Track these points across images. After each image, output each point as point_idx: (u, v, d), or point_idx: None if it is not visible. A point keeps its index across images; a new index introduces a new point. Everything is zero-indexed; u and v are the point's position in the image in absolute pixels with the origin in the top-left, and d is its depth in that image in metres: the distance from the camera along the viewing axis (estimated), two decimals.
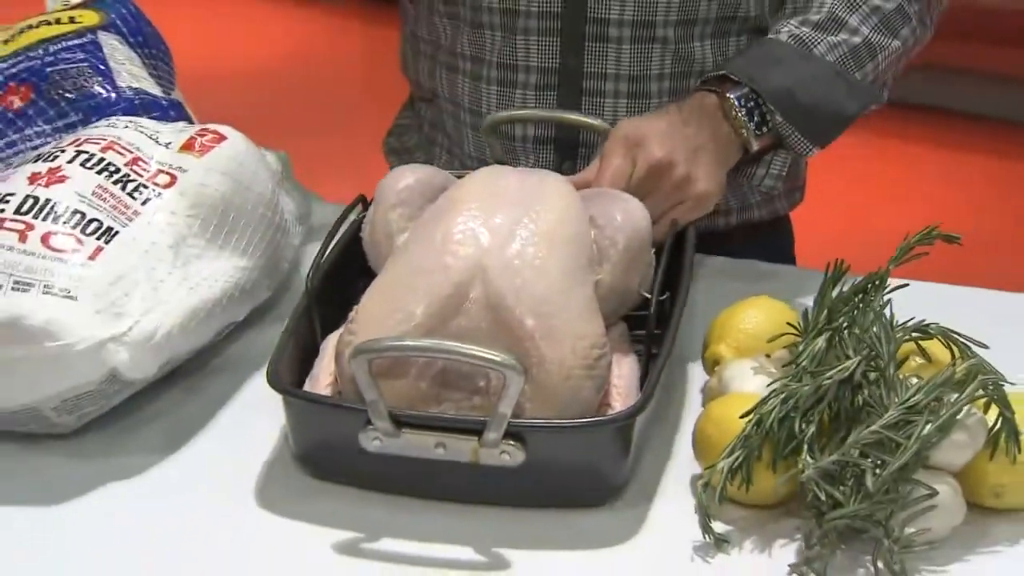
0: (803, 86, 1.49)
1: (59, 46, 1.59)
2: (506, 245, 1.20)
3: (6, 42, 1.62)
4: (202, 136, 1.36)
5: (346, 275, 1.31)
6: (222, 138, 1.36)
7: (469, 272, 1.18)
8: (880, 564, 1.09)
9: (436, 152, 1.73)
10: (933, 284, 1.52)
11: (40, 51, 1.58)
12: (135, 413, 1.30)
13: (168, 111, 1.56)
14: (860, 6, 1.53)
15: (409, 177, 1.31)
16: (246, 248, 1.35)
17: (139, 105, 1.54)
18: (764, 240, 1.74)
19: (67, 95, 1.55)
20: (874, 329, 1.18)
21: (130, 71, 1.58)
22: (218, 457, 1.26)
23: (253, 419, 1.28)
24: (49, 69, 1.56)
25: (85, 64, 1.57)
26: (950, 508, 1.13)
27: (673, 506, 1.18)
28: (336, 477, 1.20)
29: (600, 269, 1.25)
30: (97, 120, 1.47)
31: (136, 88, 1.56)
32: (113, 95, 1.55)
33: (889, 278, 1.26)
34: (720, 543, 1.13)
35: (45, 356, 1.19)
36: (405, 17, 1.74)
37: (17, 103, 1.55)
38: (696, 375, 1.36)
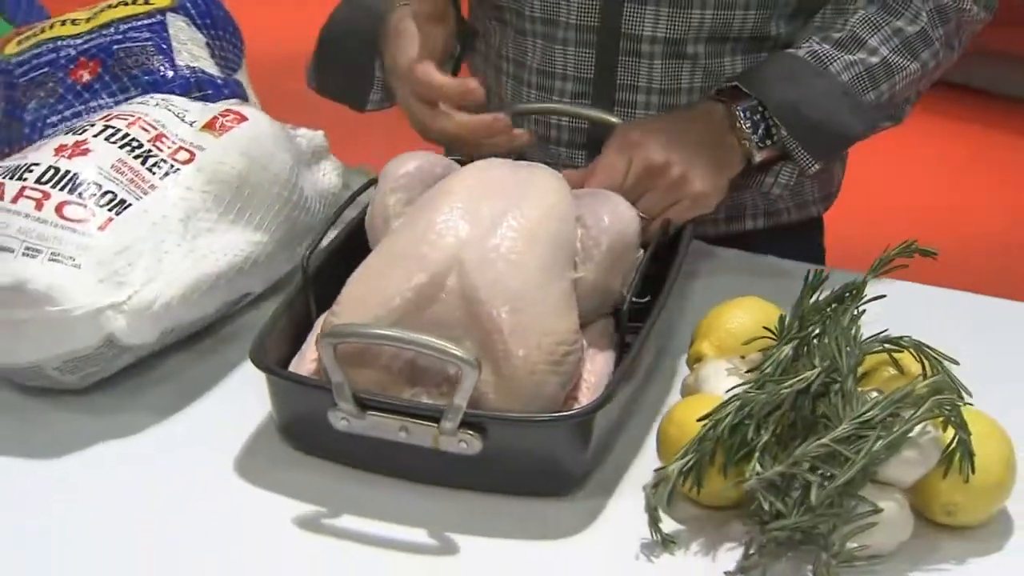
0: (809, 102, 1.36)
1: (128, 25, 1.53)
2: (485, 238, 1.10)
3: (88, 20, 1.56)
4: (224, 116, 1.28)
5: (351, 255, 1.22)
6: (243, 119, 1.29)
7: (446, 263, 1.09)
8: None
9: None
10: (933, 288, 1.39)
11: (111, 29, 1.53)
12: (147, 373, 1.24)
13: (222, 89, 1.49)
14: (882, 27, 1.40)
15: (410, 163, 1.22)
16: (260, 224, 1.27)
17: (194, 83, 1.48)
18: (793, 240, 1.61)
19: (130, 71, 1.49)
20: (837, 341, 1.06)
21: (191, 51, 1.51)
22: (216, 421, 1.19)
23: (255, 387, 1.19)
24: (116, 47, 1.51)
25: (149, 43, 1.51)
26: (896, 524, 1.01)
27: (631, 501, 1.08)
28: (311, 451, 1.12)
29: (583, 268, 1.15)
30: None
31: (193, 67, 1.49)
32: (171, 73, 1.48)
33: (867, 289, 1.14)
34: (667, 543, 1.03)
35: (46, 319, 1.13)
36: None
37: (86, 77, 1.50)
38: (685, 370, 1.25)
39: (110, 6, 1.58)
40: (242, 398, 1.19)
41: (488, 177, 1.17)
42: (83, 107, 1.47)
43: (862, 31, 1.39)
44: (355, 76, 1.50)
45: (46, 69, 1.51)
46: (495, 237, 1.10)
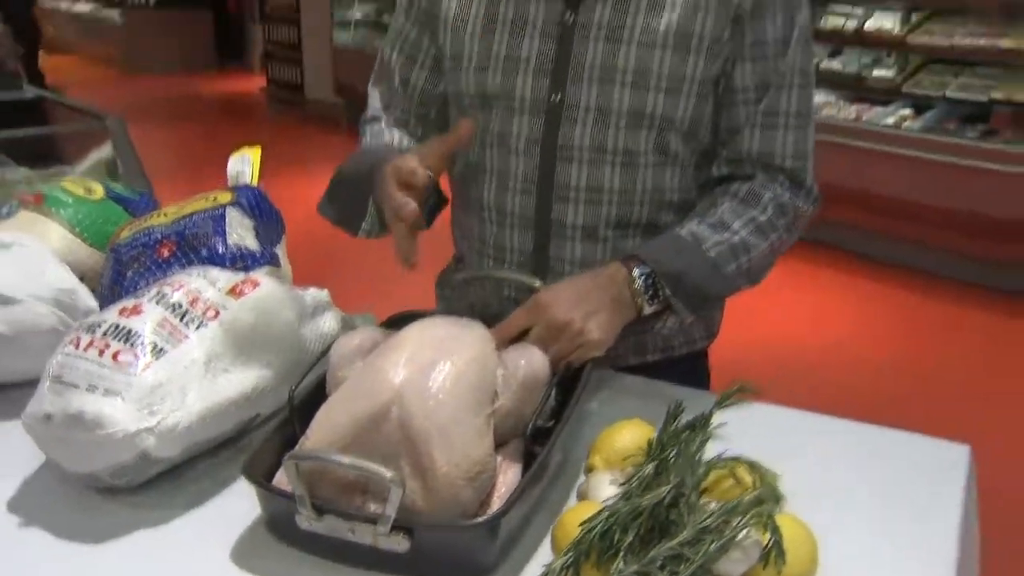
0: (688, 272, 1.25)
1: (199, 216, 1.44)
2: (422, 380, 0.98)
3: (175, 212, 1.48)
4: (244, 284, 1.18)
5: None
6: (257, 284, 1.17)
7: (390, 397, 0.97)
8: None
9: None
10: (774, 407, 1.24)
11: (187, 219, 1.44)
12: (181, 476, 1.11)
13: (259, 260, 1.39)
14: (742, 215, 1.29)
15: (354, 341, 1.09)
16: (267, 364, 1.16)
17: (239, 256, 1.38)
18: (685, 368, 1.47)
19: (195, 249, 1.39)
20: (684, 465, 0.92)
21: (239, 233, 1.41)
22: (225, 515, 1.05)
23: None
24: (187, 231, 1.41)
25: (210, 228, 1.41)
26: None
27: None
28: (287, 542, 0.99)
29: (503, 397, 1.03)
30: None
31: (239, 245, 1.40)
32: (222, 249, 1.38)
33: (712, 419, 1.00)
34: None
35: (96, 440, 1.02)
36: None
37: (165, 254, 1.40)
38: (583, 476, 1.10)
39: (192, 202, 1.49)
40: (248, 497, 1.06)
41: (428, 334, 1.05)
42: (162, 275, 1.37)
43: (727, 217, 1.29)
44: (352, 208, 1.37)
45: (140, 249, 1.42)
46: (429, 380, 0.98)
